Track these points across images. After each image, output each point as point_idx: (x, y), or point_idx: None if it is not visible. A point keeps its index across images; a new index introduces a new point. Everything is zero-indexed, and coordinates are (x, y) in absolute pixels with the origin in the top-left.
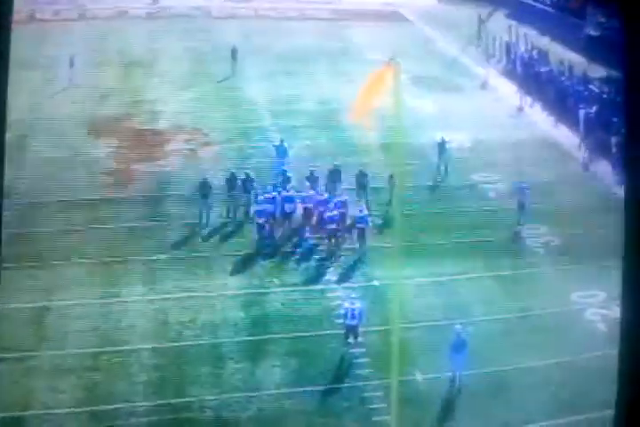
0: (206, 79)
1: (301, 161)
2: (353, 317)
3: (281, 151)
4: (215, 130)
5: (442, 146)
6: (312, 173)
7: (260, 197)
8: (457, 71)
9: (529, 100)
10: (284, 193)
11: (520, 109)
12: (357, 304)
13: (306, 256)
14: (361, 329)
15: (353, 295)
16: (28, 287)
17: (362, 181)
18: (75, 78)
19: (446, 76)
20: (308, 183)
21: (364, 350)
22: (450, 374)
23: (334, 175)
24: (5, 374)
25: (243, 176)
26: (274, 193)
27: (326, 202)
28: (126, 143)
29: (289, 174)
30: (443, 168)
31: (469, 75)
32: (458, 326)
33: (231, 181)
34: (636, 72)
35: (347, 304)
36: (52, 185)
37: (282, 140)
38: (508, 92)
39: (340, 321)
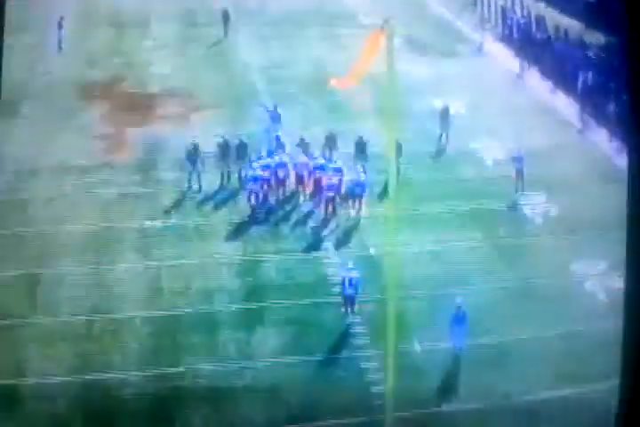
0: (198, 42)
1: (295, 126)
2: (350, 286)
3: (275, 117)
4: (207, 94)
5: (444, 113)
6: (302, 139)
7: (254, 164)
8: (452, 36)
9: (526, 65)
10: (277, 159)
11: (517, 75)
12: (354, 274)
13: (301, 223)
14: (358, 299)
15: (350, 265)
16: (18, 254)
17: (361, 148)
18: (64, 41)
19: (441, 41)
20: (300, 149)
21: (360, 319)
22: (450, 346)
23: (330, 141)
24: None
25: (236, 142)
26: (268, 159)
27: (322, 168)
28: (118, 107)
29: (282, 140)
30: (444, 136)
31: (465, 40)
32: (458, 299)
33: (224, 147)
34: (637, 36)
35: (343, 273)
36: (43, 150)
37: (275, 106)
38: (504, 57)
39: (337, 290)
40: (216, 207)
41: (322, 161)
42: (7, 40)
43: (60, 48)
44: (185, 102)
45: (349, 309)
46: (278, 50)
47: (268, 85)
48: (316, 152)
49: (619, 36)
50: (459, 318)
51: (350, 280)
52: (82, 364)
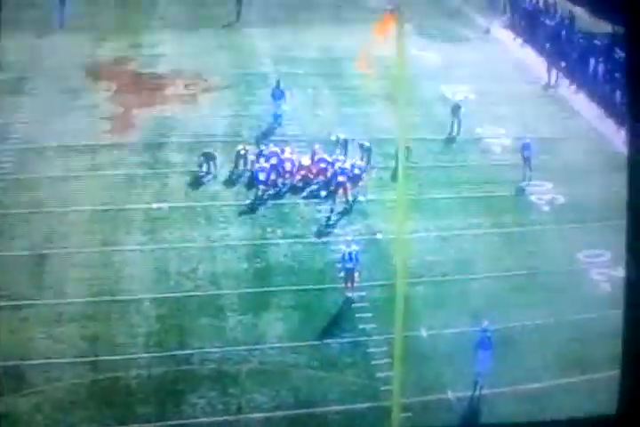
0: (207, 23)
1: (303, 109)
2: (350, 259)
3: (277, 94)
4: (215, 75)
5: (456, 109)
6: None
7: (262, 146)
8: (461, 22)
9: (533, 53)
10: (284, 155)
11: (524, 63)
12: (354, 247)
13: (309, 208)
14: (361, 282)
15: (349, 238)
16: (26, 234)
17: (365, 149)
18: (66, 19)
19: (450, 27)
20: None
21: (367, 304)
22: (475, 373)
23: (342, 144)
24: (3, 322)
25: (247, 126)
26: (274, 148)
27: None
28: (125, 87)
29: (285, 121)
30: (455, 125)
31: (473, 26)
32: (484, 323)
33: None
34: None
35: (343, 247)
36: (51, 130)
37: (278, 81)
38: (512, 44)
39: (339, 265)
40: (225, 190)
41: (323, 155)
42: (11, 15)
43: (61, 26)
44: (193, 83)
45: (350, 283)
46: (287, 32)
47: (277, 67)
48: (318, 146)
49: (624, 25)
50: (484, 343)
51: (350, 254)
52: (88, 346)
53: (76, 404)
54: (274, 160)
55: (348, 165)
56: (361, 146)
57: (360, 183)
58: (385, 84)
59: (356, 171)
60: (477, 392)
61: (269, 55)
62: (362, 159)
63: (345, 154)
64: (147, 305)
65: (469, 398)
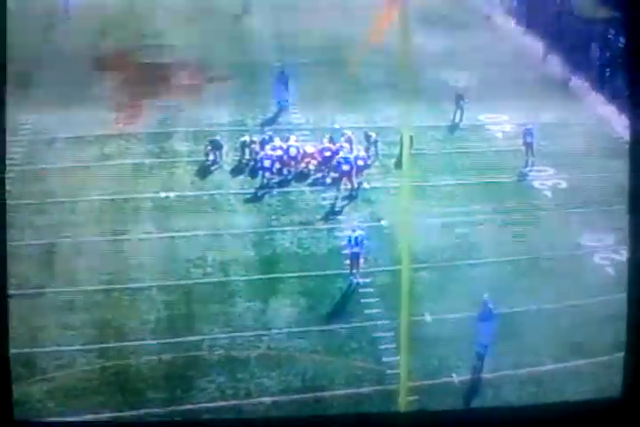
0: (211, 13)
1: (307, 98)
2: (356, 244)
3: (282, 80)
4: (220, 65)
5: (458, 98)
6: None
7: (267, 146)
8: (462, 8)
9: (534, 39)
10: (289, 142)
11: (525, 49)
12: (359, 232)
13: (314, 195)
14: (367, 267)
15: (354, 223)
16: (36, 224)
17: (372, 142)
18: (71, 10)
19: (452, 13)
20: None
21: (372, 290)
22: (478, 345)
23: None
24: (15, 311)
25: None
26: (279, 142)
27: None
28: (131, 78)
29: (290, 109)
30: (458, 116)
31: (474, 12)
32: (485, 296)
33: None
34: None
35: (349, 232)
36: (59, 121)
37: (282, 68)
38: (513, 30)
39: (344, 252)
40: (231, 179)
41: (328, 144)
42: (17, 7)
43: (68, 17)
44: (199, 73)
45: (355, 268)
46: (291, 21)
47: (281, 56)
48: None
49: (625, 11)
50: (485, 316)
51: (355, 239)
52: (99, 333)
53: (88, 390)
54: (279, 152)
55: (352, 156)
56: (367, 137)
57: (365, 171)
58: (388, 71)
59: (360, 162)
60: (483, 375)
61: (274, 44)
62: (366, 150)
63: (350, 143)
64: (156, 292)
65: (475, 382)
